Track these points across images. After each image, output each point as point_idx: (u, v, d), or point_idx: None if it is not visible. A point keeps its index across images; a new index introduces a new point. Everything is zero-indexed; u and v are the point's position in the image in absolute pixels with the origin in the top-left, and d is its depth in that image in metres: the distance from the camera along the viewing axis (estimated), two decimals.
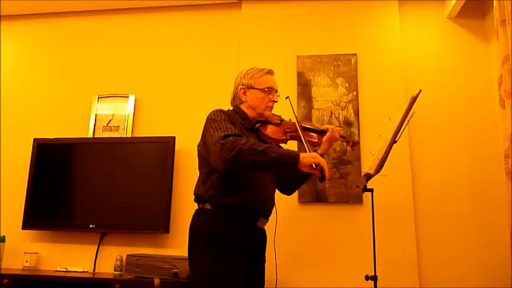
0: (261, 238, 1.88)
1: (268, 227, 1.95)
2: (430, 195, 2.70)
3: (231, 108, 1.96)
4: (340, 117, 2.81)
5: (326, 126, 2.01)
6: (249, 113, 1.92)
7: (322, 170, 1.60)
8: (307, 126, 2.02)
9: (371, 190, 2.13)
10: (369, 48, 2.92)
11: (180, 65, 3.16)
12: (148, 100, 3.12)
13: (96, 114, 3.13)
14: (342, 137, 2.07)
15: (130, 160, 2.92)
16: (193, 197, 1.85)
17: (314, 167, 1.60)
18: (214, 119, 1.75)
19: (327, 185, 1.63)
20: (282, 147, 2.00)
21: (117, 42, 3.29)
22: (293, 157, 1.60)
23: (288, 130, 1.95)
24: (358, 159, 2.71)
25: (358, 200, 2.67)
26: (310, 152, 1.75)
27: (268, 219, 1.90)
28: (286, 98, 2.00)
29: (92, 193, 2.89)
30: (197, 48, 3.17)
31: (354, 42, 2.94)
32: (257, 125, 1.94)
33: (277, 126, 1.96)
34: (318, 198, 2.70)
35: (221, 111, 1.81)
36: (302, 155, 1.61)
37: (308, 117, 2.83)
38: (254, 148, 1.58)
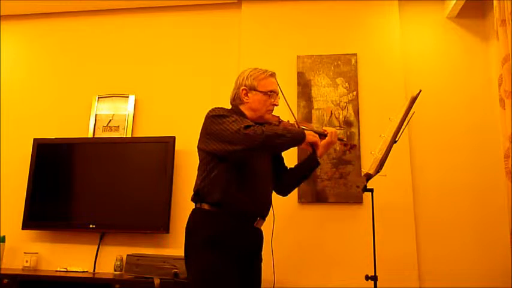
0: (258, 238, 1.88)
1: (266, 227, 1.95)
2: (430, 195, 2.70)
3: (229, 107, 1.96)
4: (340, 117, 2.81)
5: (324, 128, 2.01)
6: (249, 114, 1.90)
7: (315, 148, 1.92)
8: (305, 128, 2.02)
9: (371, 190, 2.13)
10: (369, 48, 2.92)
11: (180, 65, 3.16)
12: (148, 100, 3.12)
13: (96, 114, 3.13)
14: (339, 139, 2.08)
15: (130, 160, 2.92)
16: (192, 196, 1.85)
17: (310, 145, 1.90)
18: (222, 115, 1.76)
19: (320, 169, 1.83)
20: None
21: (117, 42, 3.29)
22: (302, 134, 1.83)
23: None
24: (358, 159, 2.71)
25: (358, 200, 2.67)
26: (295, 116, 1.95)
27: (265, 219, 1.90)
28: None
29: (91, 193, 2.89)
30: (197, 48, 3.17)
31: (354, 42, 2.94)
32: None
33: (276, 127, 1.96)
34: (318, 198, 2.70)
35: (222, 108, 1.83)
36: (306, 132, 1.85)
37: (308, 117, 2.83)
38: (274, 132, 1.72)
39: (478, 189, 2.67)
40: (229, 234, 1.73)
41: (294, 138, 1.80)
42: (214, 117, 1.77)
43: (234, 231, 1.75)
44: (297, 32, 3.02)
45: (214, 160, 1.77)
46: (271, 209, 1.94)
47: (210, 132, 1.77)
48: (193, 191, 1.83)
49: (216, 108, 1.82)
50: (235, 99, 1.94)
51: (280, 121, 2.00)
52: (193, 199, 1.83)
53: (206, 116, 1.81)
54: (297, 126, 1.94)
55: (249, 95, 1.90)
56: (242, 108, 1.91)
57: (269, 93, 1.90)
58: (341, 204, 2.69)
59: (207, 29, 3.20)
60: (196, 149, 1.88)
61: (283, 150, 2.00)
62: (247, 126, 1.69)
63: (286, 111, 2.03)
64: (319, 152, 2.00)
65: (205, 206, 1.77)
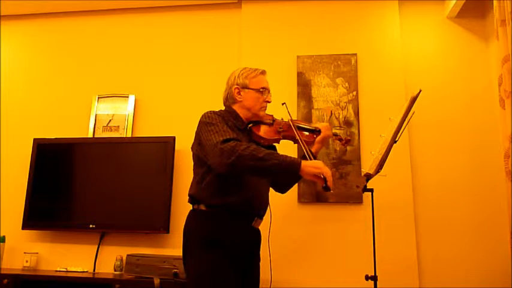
0: (255, 238, 1.89)
1: (265, 227, 1.95)
2: (430, 195, 2.70)
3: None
4: (340, 117, 2.81)
5: (316, 125, 2.01)
6: (243, 113, 1.91)
7: (325, 180, 1.61)
8: (300, 125, 2.02)
9: (371, 190, 2.13)
10: (369, 48, 2.92)
11: (180, 65, 3.16)
12: (148, 100, 3.12)
13: (96, 114, 3.13)
14: (334, 134, 2.08)
15: (130, 160, 2.92)
16: (188, 199, 1.85)
17: (321, 176, 1.62)
18: (210, 122, 1.75)
19: (332, 192, 1.59)
20: (276, 147, 2.02)
21: (117, 42, 3.29)
22: (294, 165, 1.62)
23: (280, 130, 1.95)
24: (358, 159, 2.71)
25: (358, 200, 2.66)
26: (307, 151, 1.77)
27: (262, 219, 1.90)
28: (283, 104, 2.00)
29: (91, 193, 2.89)
30: (197, 48, 3.17)
31: (354, 42, 2.94)
32: (249, 125, 1.94)
33: (270, 126, 1.96)
34: (318, 198, 2.70)
35: (214, 112, 1.81)
36: (304, 163, 1.63)
37: (308, 117, 2.83)
38: (254, 154, 1.60)
39: (478, 189, 2.67)
40: (227, 234, 1.73)
41: (281, 166, 1.60)
42: (204, 124, 1.76)
43: (232, 231, 1.75)
44: (297, 32, 3.02)
45: (207, 164, 1.76)
46: (268, 208, 1.94)
47: (199, 139, 1.79)
48: (188, 195, 1.83)
49: (208, 113, 1.81)
50: (228, 100, 1.95)
51: (274, 120, 2.00)
52: (190, 201, 1.84)
53: (200, 120, 1.81)
54: (292, 126, 1.93)
55: (241, 93, 1.91)
56: (235, 107, 1.92)
57: (261, 89, 1.91)
58: (341, 204, 2.69)
59: (207, 29, 3.20)
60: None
61: (265, 177, 1.86)
62: (227, 140, 1.64)
63: (284, 111, 2.03)
64: (315, 148, 1.99)
65: (203, 207, 1.77)
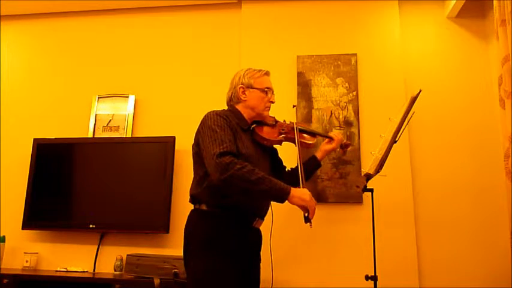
0: (256, 238, 1.89)
1: (266, 227, 1.95)
2: (430, 195, 2.70)
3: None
4: (340, 117, 2.81)
5: (331, 134, 2.17)
6: (247, 112, 1.92)
7: (309, 213, 1.67)
8: (303, 128, 2.04)
9: (371, 190, 2.13)
10: (369, 48, 2.92)
11: (180, 65, 3.16)
12: (148, 100, 3.12)
13: (96, 114, 3.13)
14: None
15: (130, 160, 2.92)
16: (189, 198, 1.85)
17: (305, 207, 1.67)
18: (210, 126, 1.74)
19: (310, 227, 1.67)
20: (277, 150, 2.04)
21: (117, 42, 3.29)
22: (283, 194, 1.65)
23: (282, 131, 1.97)
24: (358, 159, 2.71)
25: (358, 200, 2.66)
26: (300, 159, 1.87)
27: (263, 219, 1.91)
28: (293, 106, 2.12)
29: (91, 193, 2.89)
30: (197, 48, 3.17)
31: (354, 42, 2.94)
32: (252, 126, 1.94)
33: (272, 127, 1.98)
34: (318, 198, 2.69)
35: (217, 114, 1.79)
36: (292, 193, 1.65)
37: (308, 117, 2.83)
38: (246, 177, 1.61)
39: (478, 189, 2.67)
40: (228, 235, 1.73)
41: (270, 192, 1.64)
42: (206, 128, 1.75)
43: (233, 232, 1.75)
44: (297, 32, 3.02)
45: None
46: (270, 208, 1.95)
47: (198, 139, 1.80)
48: (189, 194, 1.83)
49: (211, 115, 1.79)
50: (232, 99, 1.95)
51: (276, 121, 2.01)
52: (191, 201, 1.83)
53: (203, 121, 1.80)
54: (294, 128, 1.95)
55: (246, 92, 1.92)
56: (239, 107, 1.92)
57: (265, 89, 1.94)
58: (341, 204, 2.69)
59: (207, 29, 3.20)
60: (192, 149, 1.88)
61: (254, 198, 1.82)
62: (224, 154, 1.64)
63: (284, 111, 2.04)
64: (320, 154, 2.14)
65: (204, 207, 1.77)
